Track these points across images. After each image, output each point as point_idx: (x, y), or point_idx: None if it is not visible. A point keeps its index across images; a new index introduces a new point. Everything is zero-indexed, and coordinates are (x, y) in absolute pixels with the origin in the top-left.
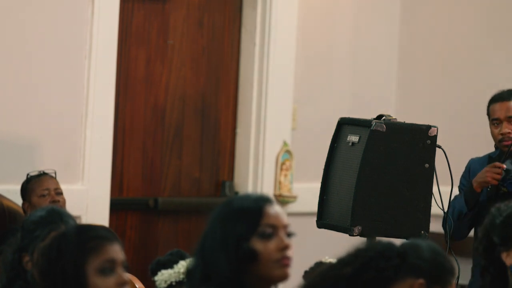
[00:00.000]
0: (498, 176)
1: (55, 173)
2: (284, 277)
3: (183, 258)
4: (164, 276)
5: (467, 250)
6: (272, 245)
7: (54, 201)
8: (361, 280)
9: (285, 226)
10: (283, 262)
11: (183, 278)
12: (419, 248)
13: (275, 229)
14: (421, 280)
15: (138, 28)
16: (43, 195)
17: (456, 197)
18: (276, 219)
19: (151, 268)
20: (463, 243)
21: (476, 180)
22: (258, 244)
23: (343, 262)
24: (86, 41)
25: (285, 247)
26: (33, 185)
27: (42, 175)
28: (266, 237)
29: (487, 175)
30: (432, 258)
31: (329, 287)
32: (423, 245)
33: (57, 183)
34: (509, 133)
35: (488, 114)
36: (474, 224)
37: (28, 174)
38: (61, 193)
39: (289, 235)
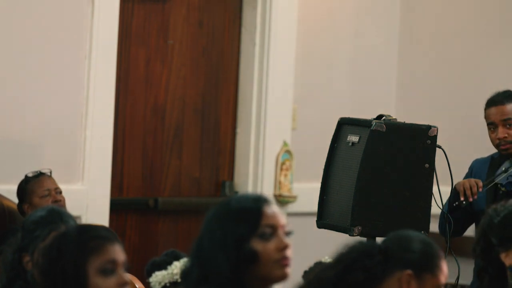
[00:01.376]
0: (469, 192)
1: (51, 172)
2: (284, 277)
3: (177, 258)
4: (158, 277)
5: (467, 250)
6: (272, 245)
7: (56, 201)
8: (350, 282)
9: (283, 226)
10: (283, 262)
11: (177, 279)
12: (401, 240)
13: (274, 229)
14: (408, 271)
15: (138, 28)
16: (45, 196)
17: None
18: (275, 219)
19: (147, 269)
20: (463, 243)
21: (456, 186)
22: (258, 245)
23: (329, 266)
24: (86, 41)
25: (285, 247)
26: (32, 186)
27: (40, 175)
28: (266, 237)
29: (465, 185)
30: (416, 247)
31: None
32: (405, 236)
33: (55, 182)
34: (505, 137)
35: (485, 117)
36: (468, 224)
37: (26, 175)
38: (60, 192)
39: (287, 234)
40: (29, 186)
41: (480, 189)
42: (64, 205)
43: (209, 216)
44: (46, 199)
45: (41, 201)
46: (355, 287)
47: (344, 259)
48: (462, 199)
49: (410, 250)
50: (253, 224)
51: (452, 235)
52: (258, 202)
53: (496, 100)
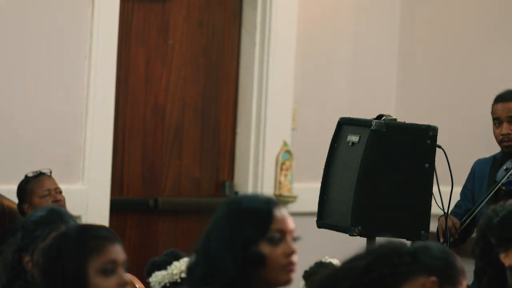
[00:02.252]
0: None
1: (51, 172)
2: (288, 282)
3: (177, 258)
4: (157, 277)
5: (468, 250)
6: (279, 250)
7: (56, 201)
8: (375, 276)
9: (292, 231)
10: (289, 267)
11: (177, 279)
12: (429, 249)
13: (283, 234)
14: (433, 278)
15: (138, 28)
16: (45, 196)
17: (456, 204)
18: (284, 224)
19: (147, 269)
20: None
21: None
22: (266, 249)
23: (357, 257)
24: (86, 41)
25: (292, 253)
26: (32, 186)
27: (40, 175)
28: (275, 242)
29: (443, 227)
30: (444, 258)
31: (342, 280)
32: (433, 246)
33: (55, 182)
34: (509, 134)
35: (491, 113)
36: (471, 231)
37: (26, 175)
38: (60, 192)
39: (295, 239)
40: (29, 186)
41: (458, 230)
42: (64, 205)
43: (218, 214)
44: (46, 199)
45: (41, 201)
46: (378, 281)
47: (373, 253)
48: (441, 241)
49: (439, 259)
50: (262, 227)
51: (456, 245)
52: (269, 204)
53: (505, 97)
